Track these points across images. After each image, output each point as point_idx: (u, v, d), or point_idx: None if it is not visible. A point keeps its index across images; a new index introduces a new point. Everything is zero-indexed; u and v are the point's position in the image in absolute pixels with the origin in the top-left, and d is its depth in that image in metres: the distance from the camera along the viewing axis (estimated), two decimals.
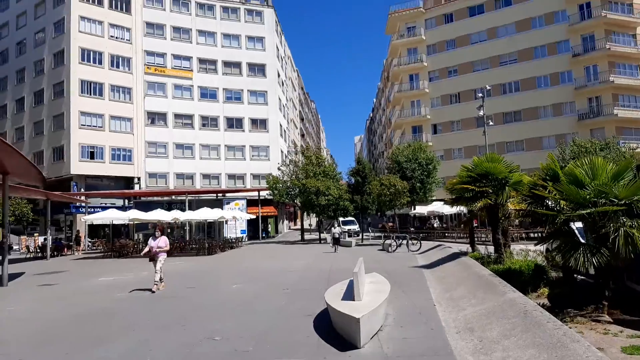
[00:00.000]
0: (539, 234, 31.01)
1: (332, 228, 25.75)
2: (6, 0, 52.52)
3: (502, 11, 50.49)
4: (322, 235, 44.45)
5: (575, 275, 10.98)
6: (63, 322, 9.08)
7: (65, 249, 32.00)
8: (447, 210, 35.75)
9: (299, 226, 66.43)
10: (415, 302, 9.61)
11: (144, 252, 13.74)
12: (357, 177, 36.65)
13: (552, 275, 12.62)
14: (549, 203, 10.48)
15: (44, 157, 45.78)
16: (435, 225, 43.11)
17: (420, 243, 24.19)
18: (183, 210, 36.27)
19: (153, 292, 12.59)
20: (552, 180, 10.97)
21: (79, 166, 43.16)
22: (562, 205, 9.84)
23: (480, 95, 34.93)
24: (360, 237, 38.00)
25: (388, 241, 24.59)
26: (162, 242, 13.25)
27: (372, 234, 41.39)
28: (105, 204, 44.40)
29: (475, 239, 21.58)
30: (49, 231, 28.97)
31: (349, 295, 7.75)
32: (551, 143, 44.68)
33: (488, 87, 35.34)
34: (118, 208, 40.24)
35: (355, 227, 43.56)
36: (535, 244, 11.52)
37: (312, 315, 8.57)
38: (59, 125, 44.43)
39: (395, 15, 57.10)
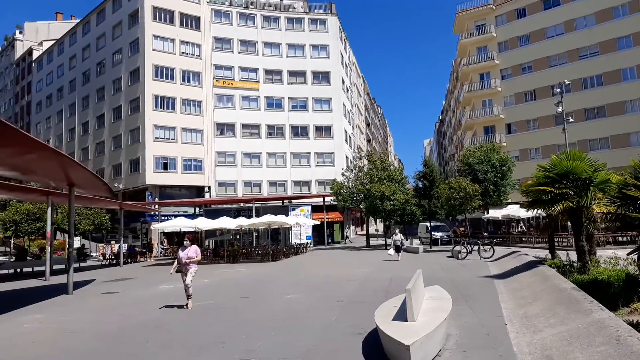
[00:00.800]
0: (629, 237, 28.14)
1: (394, 235, 24.00)
2: (88, 24, 56.48)
3: (580, 2, 46.85)
4: (388, 240, 43.31)
5: None
6: (104, 337, 8.96)
7: (139, 256, 33.31)
8: (524, 213, 33.27)
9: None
10: (483, 320, 8.54)
11: (172, 268, 12.01)
12: (424, 180, 35.18)
13: None
14: None
15: (122, 169, 48.43)
16: (520, 228, 40.40)
17: (494, 249, 22.51)
18: (250, 217, 36.68)
19: (188, 308, 11.67)
20: None
21: (153, 177, 45.16)
22: None
23: (558, 90, 32.29)
24: (449, 242, 36.34)
25: (457, 247, 23.10)
26: (192, 251, 11.83)
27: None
28: (178, 212, 46.12)
29: (556, 245, 19.66)
30: (122, 239, 30.27)
31: (402, 314, 6.92)
32: None
33: (567, 82, 32.57)
34: (189, 216, 41.49)
35: (447, 233, 40.18)
36: (629, 254, 9.97)
37: (363, 334, 7.81)
38: (135, 139, 46.84)
39: (464, 14, 54.89)
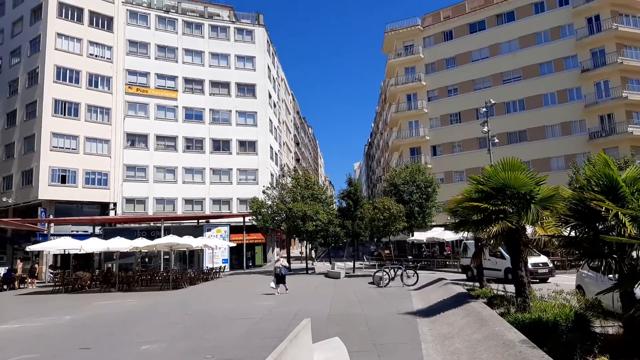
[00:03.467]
0: (570, 263, 27.08)
1: (275, 263, 20.04)
2: None
3: (504, 27, 47.77)
4: (314, 264, 40.59)
5: None
6: None
7: (17, 282, 28.13)
8: (449, 236, 32.06)
9: (294, 254, 62.42)
10: None
11: None
12: (348, 200, 32.98)
13: (598, 326, 8.93)
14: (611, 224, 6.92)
15: (13, 181, 42.30)
16: (445, 252, 39.20)
17: (417, 275, 20.40)
18: (159, 237, 32.50)
19: None
20: (607, 192, 7.42)
21: (47, 191, 39.58)
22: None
23: (484, 109, 31.68)
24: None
25: (379, 273, 20.75)
26: None
27: (365, 263, 37.48)
28: (77, 231, 40.80)
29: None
30: None
31: None
32: (560, 164, 41.29)
33: (493, 101, 32.05)
34: (90, 236, 36.48)
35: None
36: (599, 293, 7.79)
37: None
38: (30, 148, 41.14)
39: (392, 33, 54.57)
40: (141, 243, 25.29)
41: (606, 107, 40.71)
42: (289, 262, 36.62)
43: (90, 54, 44.32)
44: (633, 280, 6.64)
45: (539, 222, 9.79)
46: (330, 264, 33.70)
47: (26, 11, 44.83)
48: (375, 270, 23.46)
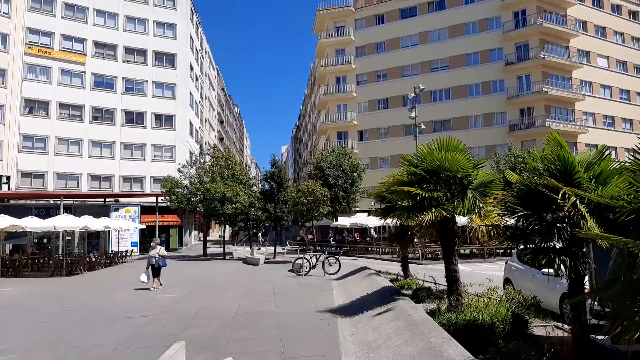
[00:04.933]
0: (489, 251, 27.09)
1: (150, 251, 15.94)
2: None
3: (435, 15, 47.84)
4: (233, 248, 38.53)
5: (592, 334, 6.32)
6: None
7: None
8: (372, 222, 31.41)
9: (214, 237, 59.67)
10: None
11: None
12: (271, 182, 31.17)
13: (538, 325, 8.02)
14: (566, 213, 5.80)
15: None
16: (369, 237, 38.65)
17: (340, 263, 19.19)
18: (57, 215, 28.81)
19: None
20: (560, 178, 6.31)
21: None
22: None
23: (412, 95, 31.14)
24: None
25: (299, 261, 19.29)
26: None
27: (288, 248, 36.13)
28: None
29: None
30: None
31: None
32: (481, 154, 41.78)
33: (422, 87, 31.54)
34: None
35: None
36: (564, 302, 6.68)
37: None
38: None
39: (324, 12, 52.89)
40: (29, 222, 21.92)
41: (527, 100, 42.02)
42: (204, 247, 34.31)
43: None
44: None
45: (477, 211, 8.67)
46: (251, 248, 31.88)
47: None
48: (296, 257, 21.97)
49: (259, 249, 36.58)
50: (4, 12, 39.77)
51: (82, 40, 43.75)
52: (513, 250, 12.44)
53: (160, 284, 15.61)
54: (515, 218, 6.65)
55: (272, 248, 31.75)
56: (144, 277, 15.18)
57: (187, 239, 48.67)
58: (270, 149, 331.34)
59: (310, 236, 39.50)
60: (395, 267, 18.93)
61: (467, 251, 27.92)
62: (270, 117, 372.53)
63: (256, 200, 31.30)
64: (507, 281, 11.98)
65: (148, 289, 15.16)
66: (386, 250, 31.66)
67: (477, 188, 8.89)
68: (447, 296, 8.97)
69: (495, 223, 8.26)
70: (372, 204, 37.26)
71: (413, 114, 30.01)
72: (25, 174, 39.71)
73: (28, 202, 37.63)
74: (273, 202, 30.36)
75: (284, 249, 35.01)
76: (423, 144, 10.13)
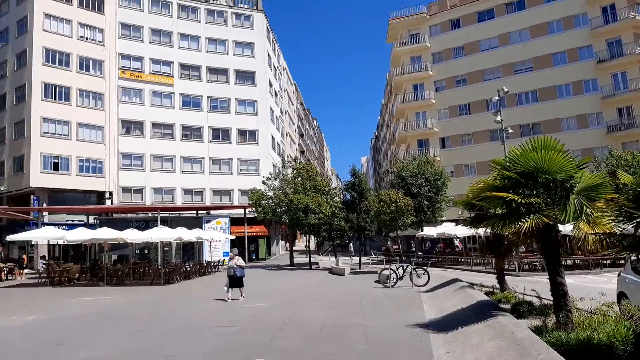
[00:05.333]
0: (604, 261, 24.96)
1: (229, 261, 16.19)
2: None
3: (514, 15, 45.74)
4: (319, 257, 38.89)
5: None
6: None
7: (3, 274, 26.61)
8: (461, 232, 30.27)
9: (300, 247, 60.81)
10: None
11: None
12: (352, 192, 31.21)
13: None
14: None
15: (4, 168, 40.71)
16: (457, 248, 37.31)
17: (429, 274, 18.63)
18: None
19: None
20: None
21: (40, 178, 37.98)
22: None
23: (496, 98, 29.78)
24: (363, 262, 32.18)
25: (385, 272, 19.00)
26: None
27: (372, 258, 35.81)
28: (73, 220, 39.29)
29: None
30: None
31: None
32: (577, 158, 39.27)
33: (506, 90, 30.07)
34: (84, 226, 34.94)
35: None
36: None
37: None
38: (20, 133, 39.52)
39: (397, 22, 52.49)
40: (130, 234, 23.67)
41: (625, 99, 38.77)
42: (291, 256, 35.00)
43: (81, 37, 42.48)
44: None
45: (584, 217, 8.00)
46: (336, 259, 32.04)
47: None
48: (382, 267, 21.68)
49: (351, 259, 36.61)
50: (98, 41, 43.62)
51: (169, 63, 46.89)
52: (626, 261, 11.34)
53: (242, 295, 15.48)
54: (635, 224, 6.04)
55: (357, 258, 31.64)
56: (225, 288, 15.36)
57: (274, 249, 50.02)
58: (349, 160, 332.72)
59: (395, 246, 38.92)
60: (489, 279, 18.03)
61: (570, 262, 25.97)
62: (348, 129, 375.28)
63: (338, 210, 31.46)
64: (621, 295, 10.88)
65: (225, 299, 15.10)
66: (477, 261, 30.32)
67: (582, 192, 8.20)
68: (555, 312, 8.30)
69: (608, 230, 7.55)
70: (460, 212, 36.05)
71: (498, 118, 28.66)
72: (125, 190, 43.01)
73: (129, 215, 40.68)
74: (355, 212, 30.33)
75: (369, 260, 34.76)
76: (514, 147, 9.57)
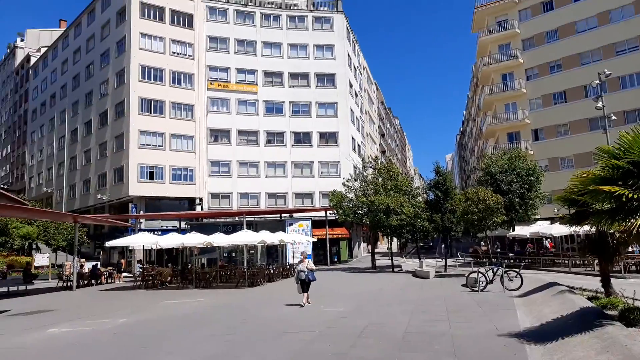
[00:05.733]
0: None
1: (298, 263, 15.72)
2: (79, 26, 53.22)
3: None
4: (402, 260, 37.92)
5: None
6: None
7: (103, 277, 28.73)
8: (557, 230, 27.76)
9: (382, 249, 59.93)
10: None
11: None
12: (436, 191, 29.80)
13: None
14: None
15: (107, 179, 44.32)
16: (545, 248, 34.51)
17: (522, 277, 17.08)
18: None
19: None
20: None
21: (137, 187, 40.89)
22: None
23: (597, 82, 26.90)
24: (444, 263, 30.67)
25: (473, 275, 17.71)
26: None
27: (459, 260, 34.07)
28: (166, 226, 41.81)
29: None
30: (75, 258, 25.68)
31: None
32: None
33: (607, 73, 27.09)
34: (177, 231, 36.94)
35: None
36: None
37: None
38: (120, 146, 42.85)
39: (483, 9, 49.80)
40: (216, 238, 24.38)
41: None
42: (372, 259, 34.30)
43: (173, 52, 45.15)
44: None
45: None
46: (420, 261, 30.83)
47: (112, 14, 46.77)
48: (470, 270, 20.32)
49: (436, 261, 35.15)
50: (189, 55, 46.05)
51: (253, 72, 48.30)
52: None
53: (308, 302, 14.74)
54: None
55: (442, 260, 30.19)
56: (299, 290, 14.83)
57: (356, 251, 49.57)
58: (433, 158, 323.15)
59: (484, 247, 36.77)
60: (591, 283, 16.18)
61: None
62: (432, 126, 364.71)
63: (421, 210, 30.22)
64: None
65: (301, 304, 14.60)
66: (576, 262, 27.68)
67: None
68: None
69: None
70: (556, 210, 33.16)
71: (600, 104, 25.90)
72: (214, 195, 44.92)
73: (217, 220, 42.36)
74: (440, 212, 28.95)
75: (455, 262, 33.10)
76: (624, 132, 8.23)
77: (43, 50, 66.36)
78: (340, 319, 12.07)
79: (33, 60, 66.14)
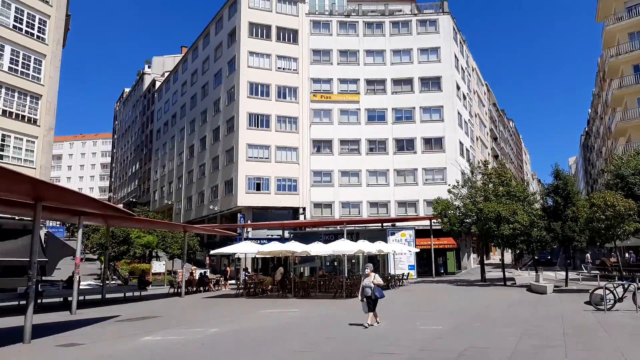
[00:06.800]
0: None
1: (364, 279, 13.50)
2: (196, 49, 57.51)
3: None
4: (516, 272, 34.71)
5: None
6: None
7: (211, 285, 30.09)
8: None
9: (494, 260, 56.03)
10: None
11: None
12: (555, 196, 26.70)
13: None
14: None
15: (218, 191, 46.94)
16: None
17: None
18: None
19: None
20: None
21: (245, 198, 42.73)
22: None
23: None
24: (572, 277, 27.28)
25: (599, 291, 15.25)
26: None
27: (582, 273, 30.27)
28: (271, 235, 42.95)
29: None
30: (184, 264, 27.13)
31: None
32: None
33: None
34: (280, 240, 37.77)
35: None
36: None
37: None
38: (230, 160, 45.18)
39: None
40: (314, 247, 24.32)
41: None
42: (482, 271, 31.77)
43: (279, 68, 46.72)
44: None
45: None
46: (536, 274, 27.86)
47: (224, 36, 49.78)
48: (596, 285, 17.64)
49: (556, 274, 31.66)
50: (293, 69, 47.29)
51: (355, 81, 48.19)
52: None
53: (377, 322, 12.95)
54: None
55: (563, 273, 26.95)
56: (365, 308, 12.87)
57: (464, 262, 46.74)
58: (553, 162, 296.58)
59: (613, 259, 32.26)
60: None
61: None
62: (552, 128, 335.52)
63: (538, 218, 27.29)
64: None
65: (364, 325, 12.74)
66: None
67: None
68: None
69: None
70: None
71: None
72: (316, 205, 45.33)
73: (320, 229, 42.58)
74: (560, 220, 25.88)
75: (578, 275, 29.44)
76: None
77: (166, 74, 72.94)
78: (435, 340, 10.91)
79: (158, 84, 73.04)
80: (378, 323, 12.96)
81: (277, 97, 46.09)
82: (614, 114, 48.11)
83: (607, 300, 14.74)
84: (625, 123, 42.16)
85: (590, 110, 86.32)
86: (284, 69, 47.13)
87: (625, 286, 15.54)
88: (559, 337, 10.59)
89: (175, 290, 27.44)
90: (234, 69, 46.64)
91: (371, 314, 12.84)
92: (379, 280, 13.26)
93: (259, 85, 45.63)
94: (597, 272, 24.88)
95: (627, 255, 36.62)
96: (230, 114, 46.16)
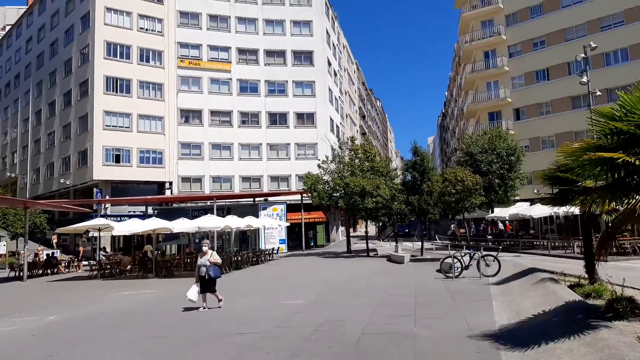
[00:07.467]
0: None
1: (200, 256, 12.09)
2: (44, 2, 50.16)
3: None
4: (379, 244, 36.70)
5: None
6: None
7: (61, 267, 26.86)
8: (538, 212, 26.78)
9: (361, 233, 58.72)
10: None
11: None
12: (413, 172, 28.40)
13: None
14: None
15: (70, 162, 42.02)
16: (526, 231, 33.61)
17: (499, 263, 15.80)
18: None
19: None
20: None
21: (102, 171, 38.76)
22: None
23: (582, 56, 25.65)
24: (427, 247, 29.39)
25: (448, 260, 16.37)
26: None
27: (436, 243, 32.92)
28: (134, 211, 39.81)
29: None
30: (25, 245, 23.71)
31: None
32: None
33: (593, 45, 25.85)
34: (142, 217, 35.03)
35: None
36: None
37: None
38: (84, 128, 40.54)
39: None
40: (178, 224, 22.75)
41: None
42: (348, 243, 32.90)
43: (141, 28, 42.69)
44: None
45: None
46: (396, 245, 29.54)
47: None
48: (446, 254, 18.97)
49: (413, 245, 33.91)
50: (158, 31, 43.56)
51: (227, 49, 46.01)
52: None
53: (219, 299, 11.89)
54: None
55: (420, 244, 28.95)
56: (192, 294, 11.51)
57: (334, 235, 48.30)
58: (416, 140, 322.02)
59: (462, 230, 35.68)
60: (571, 266, 15.06)
61: None
62: (414, 108, 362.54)
63: (398, 192, 28.85)
64: None
65: (198, 308, 11.64)
66: (555, 244, 26.72)
67: None
68: None
69: None
70: (536, 191, 32.14)
71: (584, 79, 24.64)
72: (185, 179, 42.96)
73: (188, 204, 40.51)
74: (417, 194, 27.59)
75: (432, 245, 31.94)
76: (623, 93, 6.75)
77: (8, 28, 62.93)
78: (293, 315, 10.55)
79: None
80: (220, 300, 11.90)
81: (140, 61, 42.17)
82: (467, 97, 52.83)
83: (455, 269, 15.83)
84: (475, 105, 46.45)
85: (447, 93, 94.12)
86: (147, 29, 43.11)
87: (472, 255, 16.85)
88: (410, 306, 10.91)
89: (17, 273, 23.94)
90: (88, 25, 41.50)
91: (206, 295, 11.69)
92: (216, 258, 11.98)
93: (118, 46, 41.23)
94: (449, 242, 27.09)
95: (481, 226, 40.68)
96: (84, 76, 41.18)
